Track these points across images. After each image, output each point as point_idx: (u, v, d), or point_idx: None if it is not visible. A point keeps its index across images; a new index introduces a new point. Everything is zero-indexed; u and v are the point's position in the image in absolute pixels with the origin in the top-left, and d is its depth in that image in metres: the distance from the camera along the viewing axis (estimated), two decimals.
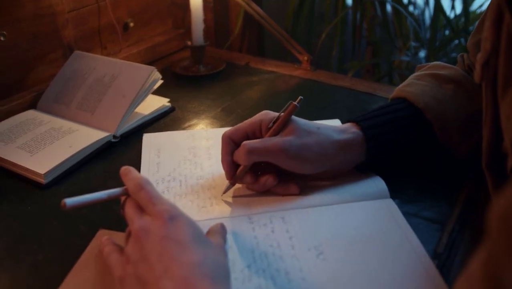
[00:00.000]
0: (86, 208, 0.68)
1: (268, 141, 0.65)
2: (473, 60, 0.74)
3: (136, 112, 0.89)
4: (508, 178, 0.54)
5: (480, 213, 0.68)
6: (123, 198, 0.58)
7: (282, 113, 0.67)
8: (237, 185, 0.70)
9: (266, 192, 0.68)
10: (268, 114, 0.68)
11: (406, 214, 0.65)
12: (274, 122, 0.67)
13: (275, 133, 0.66)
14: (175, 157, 0.78)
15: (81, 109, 0.89)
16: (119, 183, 0.58)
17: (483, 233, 0.30)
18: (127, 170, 0.58)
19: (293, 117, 0.67)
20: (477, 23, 0.72)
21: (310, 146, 0.65)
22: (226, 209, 0.66)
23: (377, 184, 0.69)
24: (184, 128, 0.90)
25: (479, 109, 0.71)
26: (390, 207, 0.66)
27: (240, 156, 0.65)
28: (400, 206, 0.66)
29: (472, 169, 0.72)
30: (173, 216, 0.51)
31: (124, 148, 0.84)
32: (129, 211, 0.55)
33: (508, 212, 0.29)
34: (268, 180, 0.66)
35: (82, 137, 0.82)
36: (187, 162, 0.77)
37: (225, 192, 0.69)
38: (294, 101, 0.67)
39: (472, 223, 0.66)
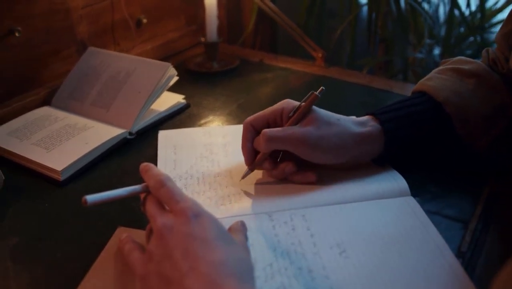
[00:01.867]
0: (104, 206, 0.67)
1: (288, 130, 0.65)
2: (501, 53, 0.73)
3: (152, 109, 0.89)
4: None
5: (503, 211, 0.68)
6: (143, 195, 0.57)
7: (303, 103, 0.67)
8: (259, 175, 0.71)
9: (285, 181, 0.69)
10: (289, 103, 0.68)
11: (427, 212, 0.64)
12: (295, 112, 0.67)
13: (296, 123, 0.67)
14: (191, 154, 0.77)
15: (96, 106, 0.89)
16: (135, 179, 0.58)
17: (507, 233, 0.30)
18: (147, 167, 0.58)
19: (314, 107, 0.68)
20: (507, 15, 0.71)
21: (329, 136, 0.66)
22: (246, 206, 0.65)
23: (398, 181, 0.69)
24: (200, 125, 0.89)
25: (501, 104, 0.70)
26: (411, 205, 0.65)
27: (260, 143, 0.66)
28: (421, 204, 0.65)
29: (494, 164, 0.71)
30: (197, 214, 0.50)
31: (140, 144, 0.84)
32: (151, 208, 0.54)
33: None
34: (287, 166, 0.67)
35: (98, 134, 0.81)
36: (203, 159, 0.76)
37: (243, 177, 0.70)
38: (316, 92, 0.67)
39: (496, 221, 0.65)
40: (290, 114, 0.67)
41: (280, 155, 0.70)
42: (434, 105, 0.71)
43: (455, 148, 0.73)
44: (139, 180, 0.57)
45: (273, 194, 0.67)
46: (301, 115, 0.67)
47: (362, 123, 0.69)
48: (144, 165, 0.58)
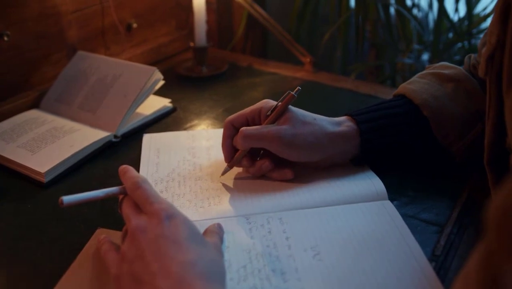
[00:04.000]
0: (86, 208, 0.68)
1: (264, 128, 0.68)
2: (480, 59, 0.74)
3: (138, 113, 0.90)
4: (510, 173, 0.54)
5: (479, 214, 0.69)
6: (121, 197, 0.58)
7: (280, 103, 0.69)
8: (239, 175, 0.74)
9: (265, 184, 0.71)
10: (268, 102, 0.71)
11: (405, 216, 0.65)
12: (272, 111, 0.70)
13: (272, 121, 0.69)
14: (174, 158, 0.78)
15: (83, 109, 0.90)
16: (119, 182, 0.59)
17: (481, 234, 0.30)
18: (125, 169, 0.59)
19: (291, 107, 0.70)
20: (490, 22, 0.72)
21: (304, 135, 0.68)
22: (224, 209, 0.66)
23: (376, 185, 0.69)
24: (185, 129, 0.90)
25: (478, 109, 0.71)
26: (388, 208, 0.66)
27: (237, 140, 0.69)
28: (399, 208, 0.66)
29: (473, 168, 0.72)
30: (170, 215, 0.51)
31: (125, 148, 0.85)
32: (126, 209, 0.55)
33: (505, 210, 0.29)
34: (264, 164, 0.70)
35: (83, 137, 0.82)
36: (186, 162, 0.77)
37: (223, 174, 0.73)
38: (292, 91, 0.69)
39: (471, 225, 0.66)
40: (267, 113, 0.70)
41: (260, 154, 0.73)
42: (412, 108, 0.73)
43: (433, 151, 0.74)
44: (122, 183, 0.59)
45: (252, 196, 0.68)
46: (278, 114, 0.69)
47: (338, 123, 0.71)
48: (123, 167, 0.60)
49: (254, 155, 0.72)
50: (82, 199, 0.56)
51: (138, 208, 0.55)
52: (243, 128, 0.68)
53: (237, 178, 0.73)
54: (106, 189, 0.57)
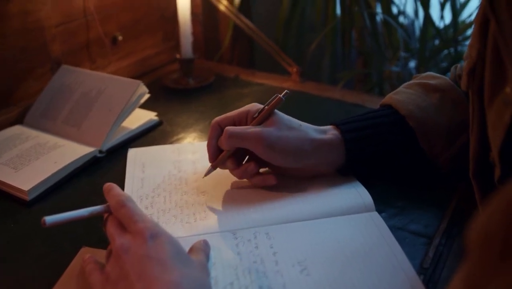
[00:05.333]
0: (70, 226, 0.67)
1: (249, 129, 0.68)
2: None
3: (123, 127, 0.89)
4: (495, 187, 0.54)
5: (466, 225, 0.68)
6: (105, 215, 0.57)
7: (268, 105, 0.69)
8: (227, 187, 0.74)
9: (251, 197, 0.70)
10: (255, 106, 0.72)
11: (393, 228, 0.65)
12: (259, 113, 0.70)
13: (259, 123, 0.69)
14: (159, 172, 0.78)
15: (68, 124, 0.89)
16: (104, 199, 0.58)
17: (464, 254, 0.30)
18: (109, 187, 0.58)
19: (278, 112, 0.70)
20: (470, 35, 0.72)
21: (287, 139, 0.68)
22: (210, 224, 0.65)
23: (363, 196, 0.69)
24: (171, 142, 0.90)
25: (464, 119, 0.71)
26: (376, 220, 0.66)
27: (222, 140, 0.69)
28: (387, 220, 0.66)
29: (460, 178, 0.71)
30: (154, 234, 0.51)
31: (110, 163, 0.84)
32: (111, 228, 0.54)
33: (486, 233, 0.29)
34: (249, 166, 0.70)
35: (68, 152, 0.81)
36: (171, 177, 0.76)
37: (206, 174, 0.73)
38: (280, 94, 0.69)
39: (459, 235, 0.66)
40: (254, 116, 0.70)
41: (246, 159, 0.73)
42: (397, 118, 0.72)
43: (420, 162, 0.74)
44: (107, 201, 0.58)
45: (239, 210, 0.68)
46: (265, 117, 0.69)
47: (323, 131, 0.72)
48: (107, 185, 0.59)
49: (239, 158, 0.72)
50: (66, 219, 0.55)
51: (123, 226, 0.54)
52: (228, 127, 0.68)
53: (221, 187, 0.73)
54: (90, 208, 0.57)
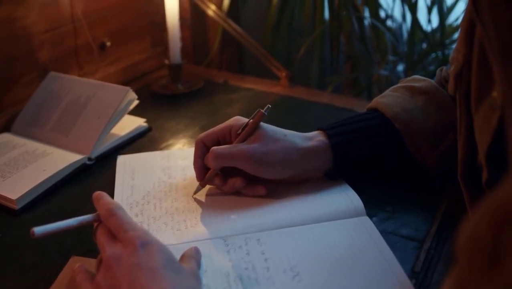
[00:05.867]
0: (60, 235, 0.66)
1: (234, 147, 0.68)
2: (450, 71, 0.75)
3: (112, 134, 0.88)
4: (484, 190, 0.54)
5: (456, 228, 0.69)
6: (95, 224, 0.57)
7: (251, 121, 0.70)
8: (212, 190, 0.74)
9: (242, 203, 0.70)
10: (238, 120, 0.71)
11: (383, 232, 0.65)
12: (243, 129, 0.70)
13: (243, 140, 0.69)
14: (149, 179, 0.77)
15: (56, 132, 0.88)
16: (93, 207, 0.57)
17: (453, 261, 0.30)
18: (99, 195, 0.58)
19: (262, 124, 0.70)
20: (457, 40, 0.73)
21: (275, 152, 0.68)
22: (201, 231, 0.65)
23: (354, 201, 0.69)
24: (161, 149, 0.89)
25: (450, 121, 0.72)
26: (366, 225, 0.66)
27: (208, 160, 0.69)
28: (378, 224, 0.66)
29: (448, 179, 0.72)
30: (145, 243, 0.50)
31: (99, 170, 0.83)
32: (101, 237, 0.54)
33: (475, 240, 0.29)
34: (236, 182, 0.70)
35: (56, 160, 0.81)
36: (161, 183, 0.76)
37: (195, 192, 0.72)
38: (262, 109, 0.69)
39: (449, 239, 0.66)
40: (238, 132, 0.70)
41: (233, 172, 0.72)
42: (384, 121, 0.73)
43: (407, 164, 0.74)
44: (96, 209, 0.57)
45: (229, 216, 0.68)
46: (248, 133, 0.69)
47: (309, 138, 0.72)
48: (97, 194, 0.58)
49: (226, 172, 0.72)
50: (55, 229, 0.54)
51: (113, 235, 0.53)
52: (214, 148, 0.68)
53: (212, 195, 0.73)
54: (80, 217, 0.56)
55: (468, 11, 0.52)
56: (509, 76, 0.30)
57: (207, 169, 0.71)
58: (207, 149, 0.70)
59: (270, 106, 0.70)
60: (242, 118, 0.71)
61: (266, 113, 0.69)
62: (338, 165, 0.72)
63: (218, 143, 0.71)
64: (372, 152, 0.73)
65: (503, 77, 0.31)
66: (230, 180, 0.71)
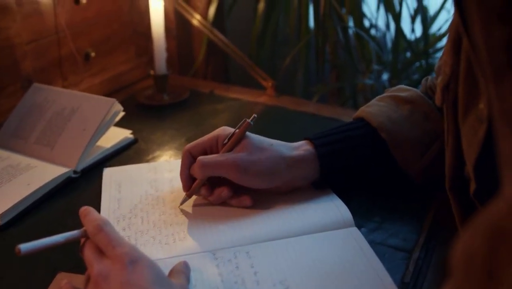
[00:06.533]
0: (46, 250, 0.65)
1: (221, 157, 0.68)
2: (437, 82, 0.76)
3: (97, 146, 0.87)
4: (471, 200, 0.55)
5: (446, 238, 0.69)
6: (82, 240, 0.56)
7: (237, 130, 0.70)
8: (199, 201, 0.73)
9: (230, 216, 0.70)
10: (225, 130, 0.71)
11: (372, 243, 0.65)
12: (229, 139, 0.70)
13: (229, 149, 0.69)
14: (136, 192, 0.76)
15: (40, 144, 0.87)
16: (80, 222, 0.56)
17: (446, 263, 0.30)
18: (86, 211, 0.57)
19: (249, 133, 0.70)
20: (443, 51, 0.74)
21: (261, 161, 0.68)
22: (190, 245, 0.65)
23: (342, 212, 0.69)
24: (147, 161, 0.88)
25: (435, 130, 0.72)
26: (355, 236, 0.66)
27: (195, 170, 0.69)
28: (366, 234, 0.66)
29: (435, 188, 0.72)
30: (133, 260, 0.50)
31: (85, 183, 0.82)
32: (88, 254, 0.53)
33: (469, 254, 0.29)
34: (223, 192, 0.70)
35: (41, 174, 0.79)
36: (149, 196, 0.75)
37: (181, 203, 0.72)
38: (248, 119, 0.70)
39: (437, 248, 0.67)
40: (224, 142, 0.70)
41: (219, 181, 0.72)
42: (369, 130, 0.74)
43: (394, 173, 0.75)
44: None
45: (218, 229, 0.67)
46: (235, 142, 0.69)
47: (295, 148, 0.72)
48: (83, 209, 0.57)
49: (212, 182, 0.72)
50: (41, 246, 0.53)
51: (101, 252, 0.53)
52: (200, 157, 0.68)
53: (199, 206, 0.72)
54: (67, 233, 0.55)
55: (454, 25, 0.52)
56: (500, 95, 0.30)
57: (193, 179, 0.71)
58: (194, 159, 0.70)
59: (256, 116, 0.71)
60: (229, 129, 0.72)
61: (252, 123, 0.70)
62: (324, 174, 0.72)
63: (205, 154, 0.71)
64: (359, 161, 0.73)
65: (493, 95, 0.31)
66: (216, 190, 0.71)
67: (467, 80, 0.50)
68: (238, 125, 0.70)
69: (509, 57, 0.29)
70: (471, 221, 0.30)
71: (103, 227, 0.53)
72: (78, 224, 0.57)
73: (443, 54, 0.74)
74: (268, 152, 0.69)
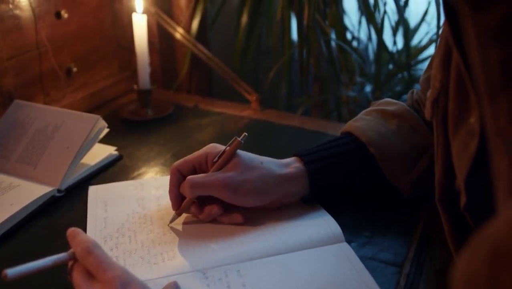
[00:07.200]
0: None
1: (210, 176, 0.68)
2: (423, 95, 0.77)
3: (81, 163, 0.86)
4: (461, 213, 0.55)
5: (436, 251, 0.70)
6: (70, 263, 0.54)
7: (227, 148, 0.69)
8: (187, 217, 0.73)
9: (219, 234, 0.69)
10: (215, 148, 0.71)
11: (363, 258, 0.65)
12: (219, 157, 0.69)
13: (219, 168, 0.69)
14: (123, 211, 0.75)
15: (23, 163, 0.85)
16: (65, 242, 0.55)
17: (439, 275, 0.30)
18: (74, 232, 0.55)
19: (239, 151, 0.70)
20: (429, 60, 0.75)
21: (251, 180, 0.68)
22: (179, 264, 0.63)
23: (332, 227, 0.69)
24: (133, 178, 0.87)
25: (422, 143, 0.73)
26: (346, 251, 0.65)
27: (184, 189, 0.68)
28: (357, 249, 0.66)
29: (424, 201, 0.73)
30: (125, 282, 0.49)
31: (70, 202, 0.80)
32: (77, 277, 0.52)
33: (467, 282, 0.29)
34: (213, 209, 0.69)
35: (24, 193, 0.78)
36: (136, 215, 0.74)
37: (171, 221, 0.71)
38: (239, 137, 0.69)
39: (427, 262, 0.67)
40: (214, 160, 0.70)
41: (209, 199, 0.71)
42: (358, 145, 0.74)
43: (383, 188, 0.75)
44: (69, 244, 0.55)
45: (207, 247, 0.66)
46: (225, 161, 0.69)
47: (285, 165, 0.72)
48: (71, 230, 0.56)
49: (202, 200, 0.71)
50: (29, 270, 0.52)
51: (90, 275, 0.51)
52: (190, 177, 0.68)
53: (188, 224, 0.72)
54: (54, 256, 0.54)
55: (444, 39, 0.53)
56: (494, 113, 0.30)
57: (183, 197, 0.70)
58: (183, 177, 0.69)
59: (246, 134, 0.70)
60: (218, 146, 0.71)
61: (242, 141, 0.69)
62: (315, 190, 0.72)
63: (194, 171, 0.71)
64: (348, 177, 0.74)
65: (488, 113, 0.31)
66: (206, 208, 0.70)
67: (457, 94, 0.50)
68: (229, 144, 0.70)
69: (504, 77, 0.29)
70: (469, 241, 0.30)
71: (93, 250, 0.52)
72: (64, 245, 0.55)
73: (428, 68, 0.74)
74: (258, 170, 0.69)
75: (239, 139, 0.69)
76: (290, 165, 0.72)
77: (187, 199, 0.69)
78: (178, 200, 0.70)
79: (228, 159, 0.69)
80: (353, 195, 0.76)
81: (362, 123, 0.76)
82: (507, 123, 0.30)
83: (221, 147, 0.70)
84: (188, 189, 0.67)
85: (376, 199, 0.76)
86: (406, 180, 0.74)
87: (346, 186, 0.74)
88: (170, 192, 0.70)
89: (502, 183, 0.31)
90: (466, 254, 0.30)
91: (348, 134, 0.77)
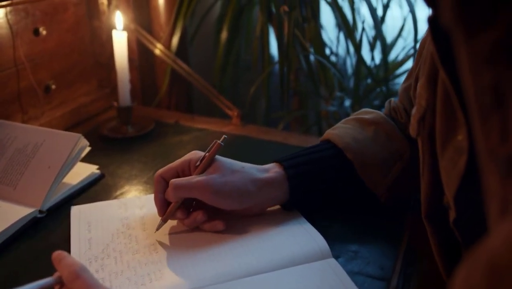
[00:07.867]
0: None
1: (193, 178, 0.69)
2: (400, 104, 0.80)
3: (63, 183, 0.84)
4: (448, 229, 0.55)
5: (421, 264, 0.70)
6: (56, 287, 0.53)
7: (208, 153, 0.71)
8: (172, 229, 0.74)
9: (206, 251, 0.69)
10: (196, 154, 0.73)
11: (350, 273, 0.65)
12: (201, 161, 0.71)
13: (202, 171, 0.71)
14: (107, 231, 0.74)
15: (2, 184, 0.83)
16: (48, 266, 0.54)
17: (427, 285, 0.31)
18: (60, 256, 0.54)
19: (219, 157, 0.72)
20: (408, 71, 0.77)
21: (232, 183, 0.70)
22: (167, 285, 0.63)
23: (319, 243, 0.69)
24: (115, 197, 0.86)
25: (397, 149, 0.75)
26: (333, 267, 0.66)
27: (168, 193, 0.70)
28: (344, 264, 0.66)
29: (406, 208, 0.74)
30: None
31: (52, 223, 0.79)
32: None
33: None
34: (198, 215, 0.71)
35: (4, 215, 0.76)
36: (120, 235, 0.73)
37: (157, 228, 0.72)
38: (219, 140, 0.72)
39: (414, 275, 0.67)
40: (196, 164, 0.71)
41: (193, 205, 0.73)
42: (336, 151, 0.76)
43: (362, 193, 0.77)
44: (52, 267, 0.54)
45: (194, 265, 0.66)
46: (207, 164, 0.71)
47: (266, 170, 0.74)
48: (57, 254, 0.55)
49: (187, 207, 0.72)
50: None
51: None
52: (173, 180, 0.69)
53: (174, 235, 0.73)
54: (40, 281, 0.52)
55: (429, 57, 0.54)
56: (485, 133, 0.31)
57: (168, 204, 0.71)
58: (167, 184, 0.71)
59: (226, 136, 0.73)
60: (200, 152, 0.73)
61: (223, 144, 0.72)
62: (294, 195, 0.74)
63: (178, 178, 0.72)
64: (328, 182, 0.76)
65: (479, 132, 0.32)
66: (192, 213, 0.71)
67: (444, 112, 0.51)
68: (209, 147, 0.72)
69: (496, 98, 0.30)
70: (465, 258, 0.30)
71: (80, 273, 0.51)
72: (46, 269, 0.54)
73: (407, 78, 0.77)
74: (239, 174, 0.71)
75: (219, 142, 0.72)
76: (270, 169, 0.74)
77: (172, 203, 0.71)
78: (164, 206, 0.71)
79: (210, 161, 0.71)
80: (334, 201, 0.78)
81: (340, 130, 0.79)
82: (498, 143, 0.30)
83: (203, 153, 0.72)
84: (172, 191, 0.69)
85: (358, 209, 0.78)
86: (382, 185, 0.76)
87: (326, 191, 0.76)
88: (155, 198, 0.72)
89: (494, 201, 0.31)
90: (464, 270, 0.30)
91: (326, 142, 0.79)
